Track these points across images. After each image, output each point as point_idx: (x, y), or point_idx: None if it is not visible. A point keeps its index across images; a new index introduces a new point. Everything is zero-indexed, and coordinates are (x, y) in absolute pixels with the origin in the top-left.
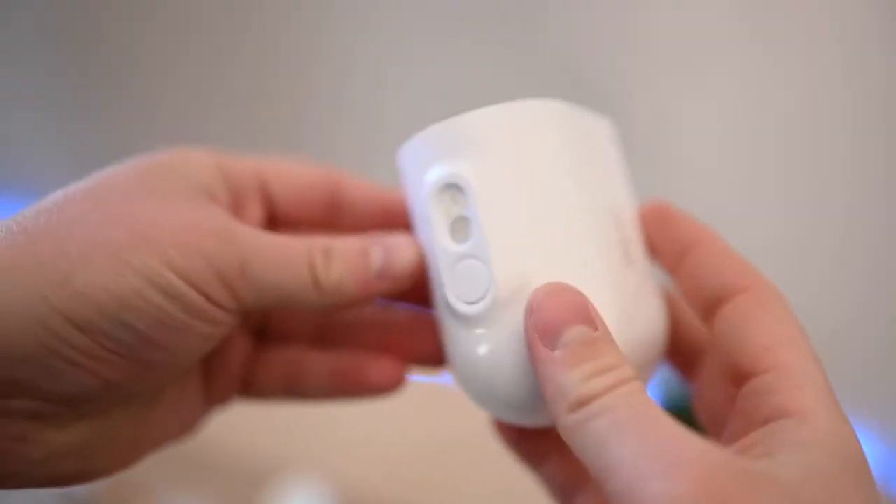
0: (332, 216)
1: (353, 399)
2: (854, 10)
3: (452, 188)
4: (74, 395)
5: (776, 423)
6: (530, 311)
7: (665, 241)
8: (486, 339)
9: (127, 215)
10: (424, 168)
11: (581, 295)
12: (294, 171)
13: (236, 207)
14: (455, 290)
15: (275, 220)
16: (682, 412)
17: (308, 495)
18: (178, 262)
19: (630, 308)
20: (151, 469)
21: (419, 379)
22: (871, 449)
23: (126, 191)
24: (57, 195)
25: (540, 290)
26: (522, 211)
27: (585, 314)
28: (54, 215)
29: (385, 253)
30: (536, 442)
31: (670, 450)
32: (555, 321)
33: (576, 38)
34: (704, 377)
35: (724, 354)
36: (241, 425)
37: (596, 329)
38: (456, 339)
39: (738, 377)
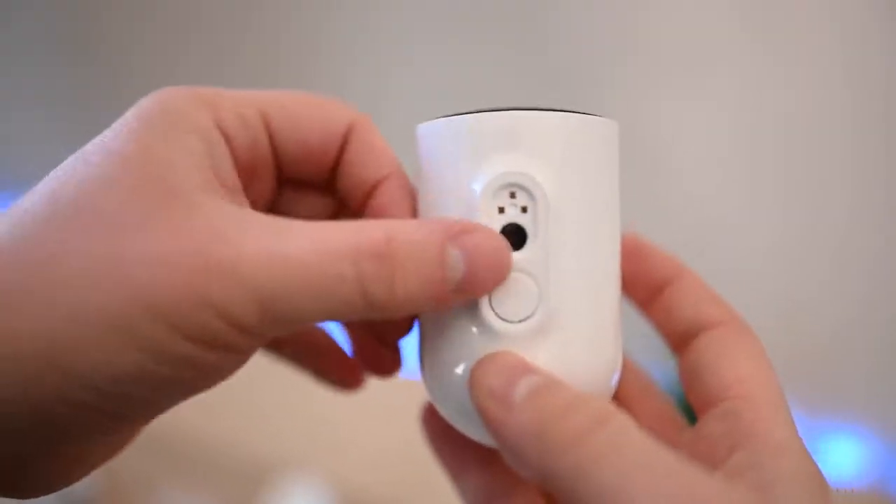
0: (334, 171)
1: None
2: (854, 11)
3: (518, 190)
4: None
5: (755, 452)
6: (475, 385)
7: (639, 276)
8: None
9: (113, 265)
10: (477, 156)
11: (516, 355)
12: (304, 120)
13: (244, 171)
14: (493, 302)
15: (280, 174)
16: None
17: (308, 495)
18: (185, 323)
19: (618, 341)
20: (151, 468)
21: (418, 380)
22: (871, 449)
23: (112, 213)
24: (24, 214)
25: (476, 363)
26: (584, 235)
27: (528, 367)
28: (23, 255)
29: (467, 257)
30: (464, 449)
31: (687, 494)
32: (501, 382)
33: (576, 39)
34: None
35: (694, 382)
36: (241, 425)
37: (545, 377)
38: (471, 351)
39: (706, 403)
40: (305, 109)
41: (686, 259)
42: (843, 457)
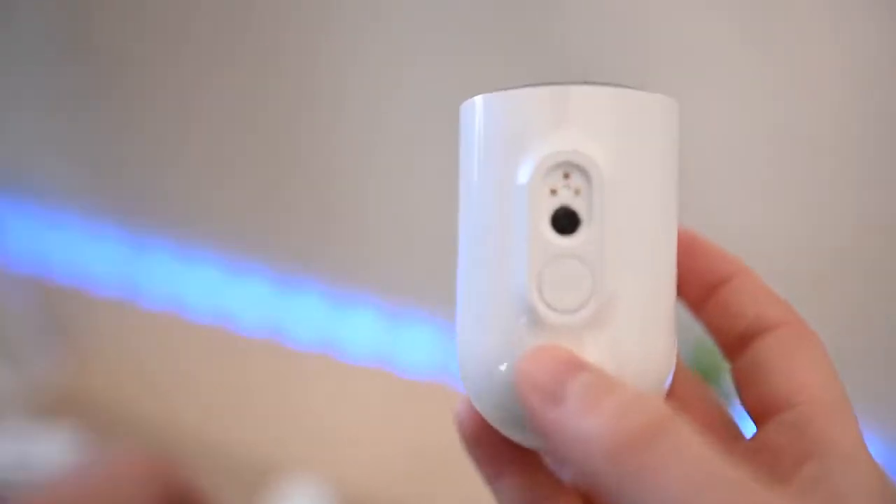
0: None
1: None
2: (854, 15)
3: (573, 170)
4: None
5: (826, 463)
6: (522, 379)
7: (693, 272)
8: None
9: None
10: (527, 133)
11: (568, 350)
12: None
13: None
14: (543, 290)
15: None
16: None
17: (308, 495)
18: None
19: (673, 338)
20: None
21: (419, 380)
22: (871, 449)
23: None
24: None
25: (522, 356)
26: (641, 221)
27: (581, 364)
28: None
29: None
30: (503, 452)
31: None
32: (551, 377)
33: (576, 42)
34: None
35: (754, 386)
36: (241, 425)
37: (600, 375)
38: (517, 343)
39: (768, 409)
40: None
41: None
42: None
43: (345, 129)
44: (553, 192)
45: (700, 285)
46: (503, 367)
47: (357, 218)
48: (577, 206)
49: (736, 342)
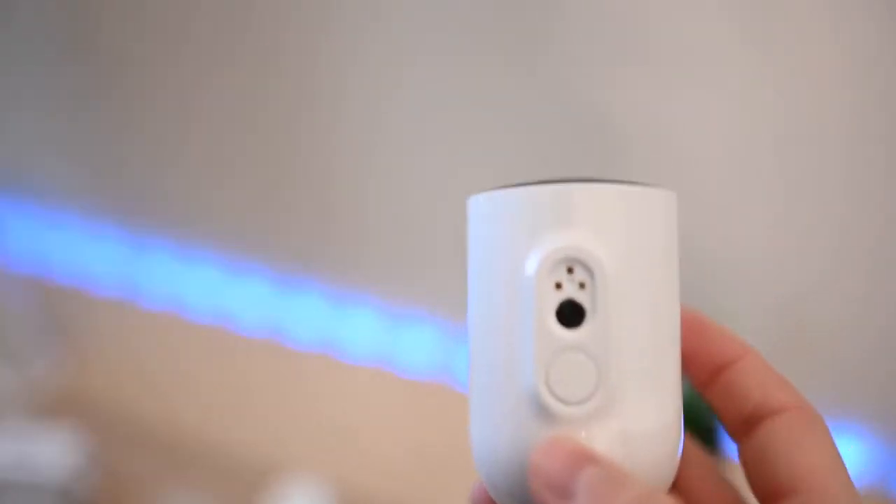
0: None
1: None
2: (854, 14)
3: (576, 265)
4: None
5: None
6: (534, 473)
7: (700, 355)
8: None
9: None
10: (533, 230)
11: (577, 442)
12: None
13: None
14: (550, 383)
15: None
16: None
17: (307, 495)
18: None
19: (679, 424)
20: (151, 468)
21: (419, 380)
22: (871, 449)
23: None
24: None
25: (536, 449)
26: (644, 313)
27: (590, 457)
28: None
29: None
30: None
31: None
32: (561, 472)
33: (576, 41)
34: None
35: (761, 470)
36: (241, 425)
37: (608, 468)
38: (527, 433)
39: (774, 494)
40: None
41: (686, 258)
42: (842, 456)
43: (345, 129)
44: (558, 285)
45: (706, 367)
46: (514, 455)
47: (357, 218)
48: (582, 299)
49: (742, 425)
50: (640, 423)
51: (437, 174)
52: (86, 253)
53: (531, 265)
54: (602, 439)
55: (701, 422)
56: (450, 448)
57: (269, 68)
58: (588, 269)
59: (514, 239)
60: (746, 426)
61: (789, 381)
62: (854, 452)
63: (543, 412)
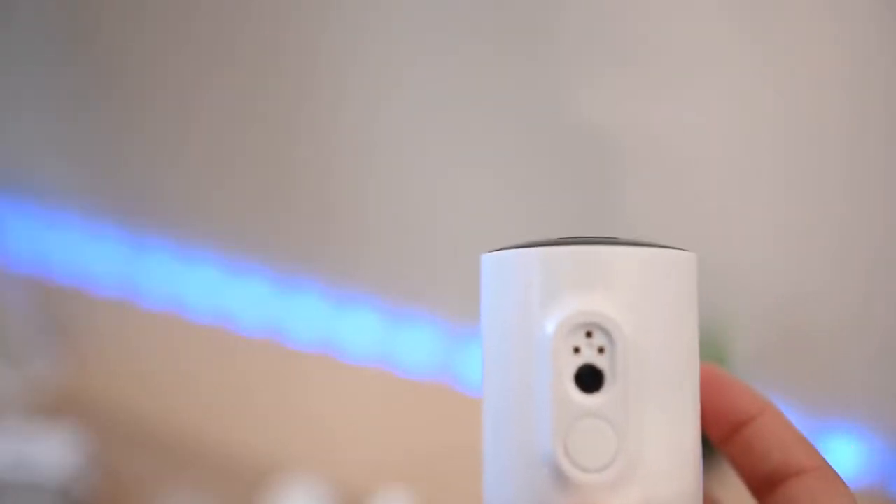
0: None
1: None
2: (853, 13)
3: (595, 329)
4: None
5: None
6: None
7: (719, 411)
8: None
9: None
10: (550, 292)
11: None
12: None
13: None
14: (569, 449)
15: None
16: None
17: (308, 495)
18: None
19: (699, 489)
20: (151, 468)
21: (419, 380)
22: (871, 449)
23: None
24: None
25: None
26: (664, 378)
27: None
28: None
29: None
30: None
31: None
32: None
33: (575, 40)
34: None
35: None
36: (241, 425)
37: None
38: (544, 500)
39: None
40: None
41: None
42: (843, 457)
43: (345, 129)
44: (576, 350)
45: (725, 424)
46: None
47: (357, 218)
48: (601, 364)
49: (763, 484)
50: (661, 490)
51: (437, 175)
52: (86, 253)
53: (549, 328)
54: None
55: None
56: (450, 448)
57: (268, 68)
58: (607, 334)
59: (532, 300)
60: (767, 486)
61: (808, 439)
62: (854, 452)
63: (562, 480)
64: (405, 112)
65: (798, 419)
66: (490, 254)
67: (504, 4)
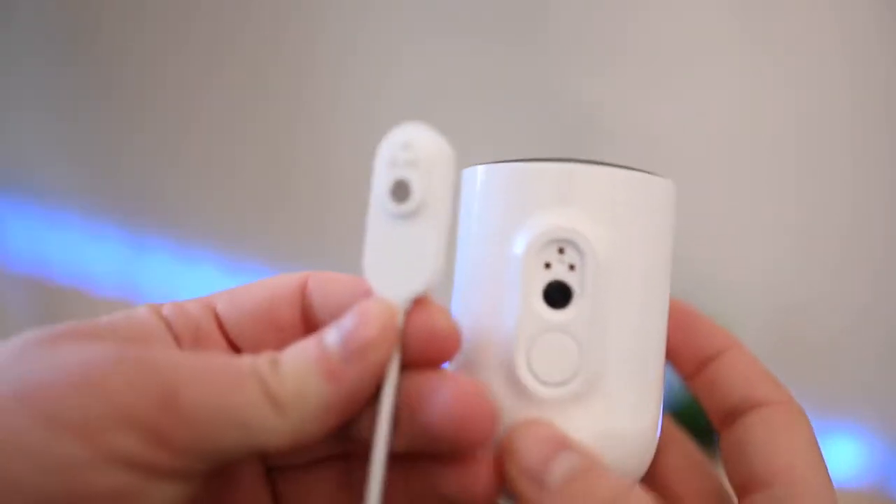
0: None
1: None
2: (854, 10)
3: (567, 246)
4: None
5: None
6: (508, 455)
7: (687, 347)
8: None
9: (5, 371)
10: (526, 207)
11: (554, 427)
12: (248, 297)
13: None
14: (531, 362)
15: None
16: (683, 415)
17: None
18: (67, 412)
19: (659, 412)
20: None
21: None
22: (871, 449)
23: (20, 351)
24: None
25: (512, 430)
26: (632, 300)
27: (565, 443)
28: None
29: (341, 330)
30: None
31: None
32: (536, 457)
33: (575, 36)
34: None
35: (739, 462)
36: None
37: (583, 456)
38: (506, 413)
39: (751, 486)
40: (255, 289)
41: (687, 256)
42: (843, 457)
43: (345, 128)
44: (547, 266)
45: (692, 359)
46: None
47: (357, 217)
48: (570, 280)
49: (724, 417)
50: (622, 409)
51: None
52: (86, 253)
53: (521, 242)
54: (581, 422)
55: (699, 419)
56: None
57: (268, 69)
58: (579, 251)
59: (508, 214)
60: (728, 419)
61: (773, 375)
62: (854, 452)
63: (522, 391)
64: (404, 112)
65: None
66: (471, 168)
67: (502, 1)
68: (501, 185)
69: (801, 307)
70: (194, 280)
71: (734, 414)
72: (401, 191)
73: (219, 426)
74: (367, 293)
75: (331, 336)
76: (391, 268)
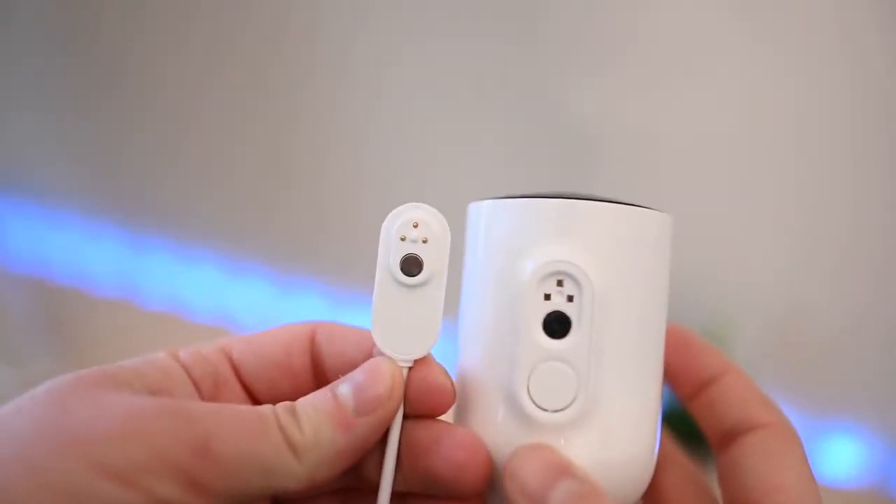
0: (320, 380)
1: None
2: (855, 10)
3: (566, 278)
4: None
5: None
6: (510, 477)
7: (685, 370)
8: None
9: (48, 423)
10: (528, 241)
11: (555, 452)
12: (262, 344)
13: (212, 396)
14: (531, 389)
15: (257, 403)
16: (676, 419)
17: None
18: (113, 459)
19: (656, 437)
20: None
21: None
22: (871, 449)
23: (55, 398)
24: None
25: (515, 454)
26: (629, 330)
27: (566, 469)
28: None
29: (353, 385)
30: None
31: None
32: (537, 482)
33: (574, 33)
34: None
35: (733, 483)
36: None
37: (582, 482)
38: (507, 438)
39: None
40: (268, 338)
41: (688, 256)
42: (843, 457)
43: (345, 128)
44: (547, 297)
45: (690, 382)
46: (495, 461)
47: (358, 217)
48: (569, 311)
49: (721, 439)
50: (619, 434)
51: (437, 172)
52: (86, 253)
53: (523, 274)
54: (579, 448)
55: (694, 431)
56: None
57: (268, 69)
58: (576, 283)
59: (510, 247)
60: (726, 440)
61: (770, 399)
62: (854, 452)
63: (523, 417)
64: (403, 111)
65: (798, 419)
66: (476, 203)
67: (500, 1)
68: (505, 219)
69: (801, 307)
70: (194, 280)
71: (730, 436)
72: (411, 265)
73: (246, 471)
74: (376, 350)
75: (344, 389)
76: (398, 330)
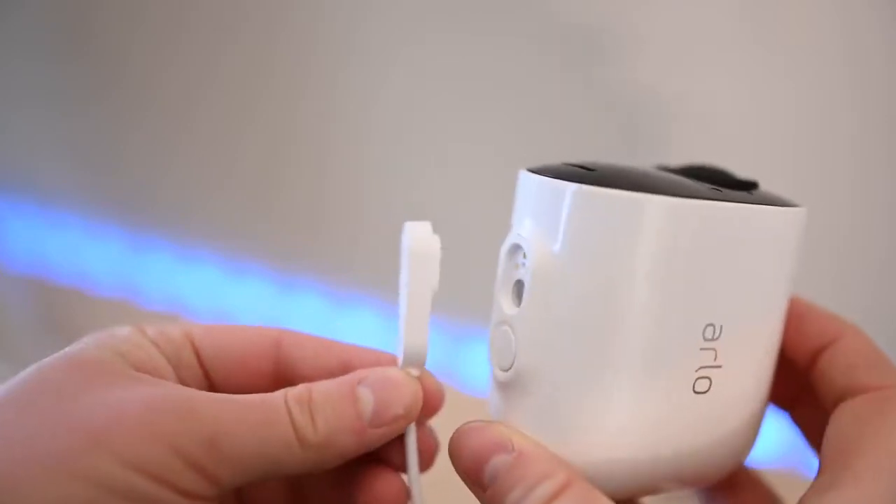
0: (279, 384)
1: None
2: (856, 9)
3: (519, 250)
4: None
5: None
6: (452, 459)
7: (800, 337)
8: (503, 408)
9: (65, 416)
10: (522, 213)
11: (492, 426)
12: (224, 334)
13: (179, 377)
14: (493, 351)
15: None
16: None
17: None
18: (136, 455)
19: (661, 428)
20: None
21: None
22: None
23: (57, 388)
24: None
25: (455, 435)
26: (573, 301)
27: (498, 443)
28: None
29: (375, 396)
30: None
31: None
32: (474, 464)
33: (574, 29)
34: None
35: (828, 446)
36: None
37: (511, 450)
38: (490, 394)
39: (819, 468)
40: (230, 331)
41: None
42: None
43: (345, 128)
44: (517, 267)
45: (806, 350)
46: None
47: (358, 217)
48: (526, 280)
49: (831, 407)
50: (563, 399)
51: (437, 172)
52: (86, 253)
53: (505, 244)
54: (524, 409)
55: None
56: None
57: (268, 69)
58: (524, 254)
59: (516, 217)
60: (833, 407)
61: (886, 358)
62: None
63: (492, 375)
64: (402, 111)
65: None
66: (522, 170)
67: None
68: (518, 188)
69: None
70: (194, 280)
71: (836, 403)
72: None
73: (254, 461)
74: (392, 361)
75: (365, 395)
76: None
